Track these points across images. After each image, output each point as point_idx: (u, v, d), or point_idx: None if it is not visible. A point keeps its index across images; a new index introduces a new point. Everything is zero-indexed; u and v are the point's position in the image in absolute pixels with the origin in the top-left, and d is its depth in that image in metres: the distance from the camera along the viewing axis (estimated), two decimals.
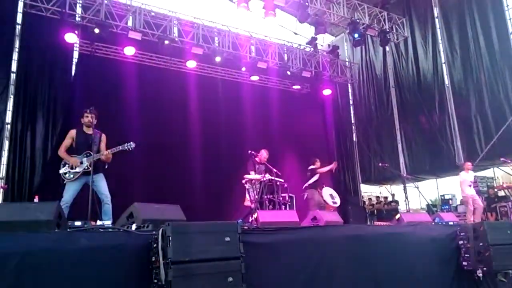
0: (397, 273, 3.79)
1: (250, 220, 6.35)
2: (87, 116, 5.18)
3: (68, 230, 2.95)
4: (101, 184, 5.04)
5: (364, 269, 3.63)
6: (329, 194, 8.40)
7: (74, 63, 9.78)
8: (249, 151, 7.17)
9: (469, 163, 9.36)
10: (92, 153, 5.00)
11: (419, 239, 4.34)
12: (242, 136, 10.64)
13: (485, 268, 4.15)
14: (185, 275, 2.54)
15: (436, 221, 5.23)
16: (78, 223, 3.51)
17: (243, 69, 11.52)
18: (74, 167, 4.99)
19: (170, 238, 2.59)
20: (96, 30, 8.82)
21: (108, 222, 4.30)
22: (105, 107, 8.20)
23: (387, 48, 13.69)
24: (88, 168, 4.91)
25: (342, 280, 3.44)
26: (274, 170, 7.07)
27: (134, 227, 3.17)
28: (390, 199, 13.90)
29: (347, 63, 14.37)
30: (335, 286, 3.38)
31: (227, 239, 2.76)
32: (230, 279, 2.67)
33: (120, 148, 5.07)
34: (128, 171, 8.47)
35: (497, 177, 11.99)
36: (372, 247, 3.83)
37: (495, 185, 11.10)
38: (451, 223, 5.09)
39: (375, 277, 3.64)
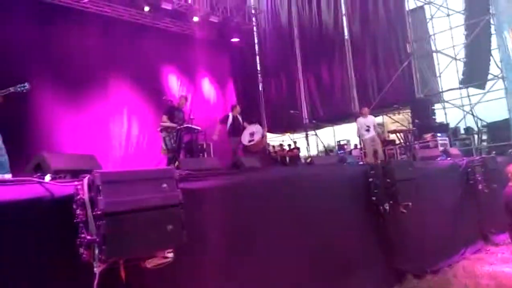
0: (320, 208, 4.02)
1: None
2: None
3: None
4: None
5: (293, 207, 3.76)
6: (248, 133, 8.02)
7: None
8: (163, 97, 6.75)
9: (366, 108, 9.85)
10: None
11: (336, 177, 4.66)
12: (153, 84, 9.98)
13: (391, 202, 4.64)
14: (121, 226, 2.29)
15: (348, 161, 5.63)
16: None
17: (146, 8, 10.43)
18: None
19: (100, 187, 2.29)
20: None
21: (8, 176, 3.68)
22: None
23: None
24: None
25: (275, 220, 3.53)
26: (192, 116, 6.77)
27: (48, 178, 2.73)
28: (292, 146, 14.64)
29: (253, 10, 14.14)
30: (271, 228, 3.46)
31: (164, 185, 2.56)
32: (170, 227, 2.50)
33: (11, 90, 4.14)
34: (30, 119, 7.44)
35: (385, 123, 13.44)
36: (298, 188, 3.97)
37: (385, 131, 12.37)
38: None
39: (302, 215, 3.81)
